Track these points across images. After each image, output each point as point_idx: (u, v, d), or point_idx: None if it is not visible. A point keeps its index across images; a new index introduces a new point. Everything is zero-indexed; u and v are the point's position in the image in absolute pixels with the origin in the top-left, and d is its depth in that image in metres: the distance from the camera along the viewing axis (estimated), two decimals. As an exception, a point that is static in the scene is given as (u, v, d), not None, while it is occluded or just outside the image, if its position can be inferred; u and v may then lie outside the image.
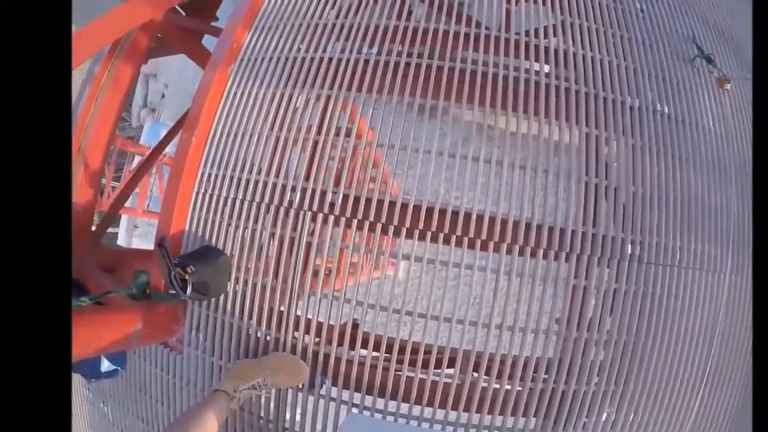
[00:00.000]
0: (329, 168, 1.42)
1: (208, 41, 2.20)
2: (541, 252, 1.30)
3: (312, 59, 1.51)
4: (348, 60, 1.47)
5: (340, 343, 1.40)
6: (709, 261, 1.43)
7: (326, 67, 1.48)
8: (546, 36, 1.52)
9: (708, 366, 1.44)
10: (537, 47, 1.49)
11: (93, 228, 1.90)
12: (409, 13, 1.59)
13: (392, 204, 1.33)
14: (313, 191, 1.37)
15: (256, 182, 1.42)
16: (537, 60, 1.47)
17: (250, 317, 1.41)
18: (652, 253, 1.34)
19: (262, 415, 1.46)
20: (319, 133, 1.43)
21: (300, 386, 1.39)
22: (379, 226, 1.33)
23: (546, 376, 1.33)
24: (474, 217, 1.31)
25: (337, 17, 1.58)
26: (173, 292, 1.31)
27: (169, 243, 1.40)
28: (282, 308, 1.39)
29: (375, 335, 1.41)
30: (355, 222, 1.34)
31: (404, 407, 1.35)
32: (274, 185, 1.40)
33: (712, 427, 1.51)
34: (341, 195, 1.35)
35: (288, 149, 1.44)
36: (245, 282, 1.41)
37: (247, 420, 1.47)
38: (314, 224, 1.36)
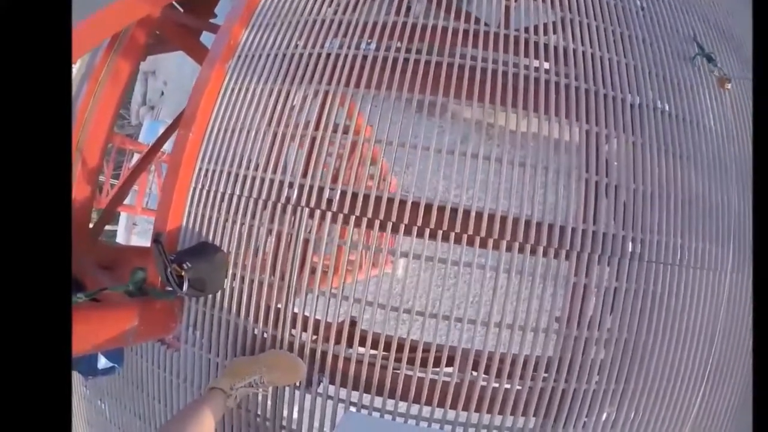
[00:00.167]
0: (327, 164, 1.41)
1: (207, 39, 2.19)
2: (541, 249, 1.29)
3: (310, 55, 1.50)
4: (346, 56, 1.46)
5: (338, 341, 1.39)
6: (710, 259, 1.42)
7: (324, 62, 1.47)
8: (546, 33, 1.51)
9: (709, 364, 1.43)
10: (537, 44, 1.48)
11: (91, 225, 1.89)
12: (408, 9, 1.58)
13: (391, 200, 1.32)
14: (311, 187, 1.36)
15: (254, 178, 1.41)
16: (537, 57, 1.46)
17: (247, 314, 1.40)
18: (652, 251, 1.33)
19: (259, 412, 1.45)
20: (317, 129, 1.42)
21: (297, 384, 1.38)
22: (377, 223, 1.32)
23: (546, 375, 1.32)
24: (473, 214, 1.30)
25: (335, 14, 1.57)
26: (170, 288, 1.31)
27: (165, 239, 1.39)
28: (279, 305, 1.38)
29: (373, 333, 1.40)
30: (353, 218, 1.33)
31: (402, 406, 1.34)
32: (272, 181, 1.39)
33: (713, 425, 1.50)
34: (339, 191, 1.35)
35: (286, 145, 1.43)
36: (242, 279, 1.40)
37: (244, 418, 1.46)
38: (312, 221, 1.35)
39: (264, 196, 1.39)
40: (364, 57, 1.45)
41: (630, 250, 1.33)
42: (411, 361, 1.32)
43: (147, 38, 1.80)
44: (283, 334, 1.37)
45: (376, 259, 3.79)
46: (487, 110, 1.37)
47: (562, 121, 1.38)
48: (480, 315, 1.31)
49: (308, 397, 1.38)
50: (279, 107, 1.46)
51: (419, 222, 1.31)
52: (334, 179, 1.38)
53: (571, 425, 1.33)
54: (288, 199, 1.38)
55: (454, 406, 1.32)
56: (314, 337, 1.39)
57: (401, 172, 1.56)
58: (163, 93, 8.66)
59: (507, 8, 1.58)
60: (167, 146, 2.88)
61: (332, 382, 1.36)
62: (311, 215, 1.35)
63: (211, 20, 2.32)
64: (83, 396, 2.00)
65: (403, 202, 1.32)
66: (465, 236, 1.30)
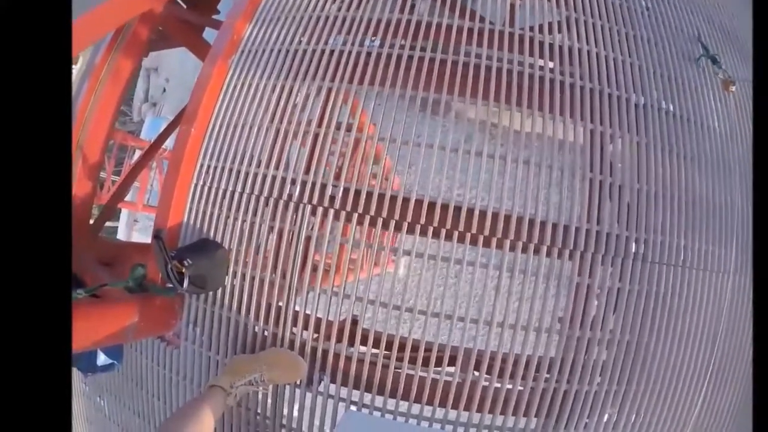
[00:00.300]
0: (330, 162, 1.40)
1: (210, 35, 2.18)
2: (544, 249, 1.28)
3: (313, 51, 1.49)
4: (350, 52, 1.45)
5: (339, 340, 1.39)
6: (713, 261, 1.41)
7: (327, 59, 1.46)
8: (551, 32, 1.50)
9: (711, 365, 1.43)
10: (542, 43, 1.47)
11: (91, 221, 1.88)
12: (412, 6, 1.57)
13: (393, 198, 1.31)
14: (314, 185, 1.35)
15: (256, 174, 1.40)
16: (542, 56, 1.46)
17: (248, 312, 1.39)
18: (656, 252, 1.33)
19: (259, 411, 1.44)
20: (320, 126, 1.41)
21: (298, 382, 1.37)
22: (380, 221, 1.31)
23: (548, 376, 1.31)
24: (476, 213, 1.29)
25: (339, 10, 1.56)
26: (170, 285, 1.30)
27: (166, 235, 1.39)
28: (280, 303, 1.37)
29: (374, 332, 1.39)
30: (355, 216, 1.32)
31: (403, 405, 1.33)
32: (274, 178, 1.39)
33: (714, 426, 1.49)
34: (342, 188, 1.34)
35: (288, 142, 1.42)
36: (243, 276, 1.39)
37: (244, 416, 1.45)
38: (314, 218, 1.35)
39: (266, 193, 1.38)
40: (368, 54, 1.44)
41: (633, 250, 1.32)
42: (412, 361, 1.31)
43: (149, 34, 1.79)
44: (283, 332, 1.36)
45: (378, 257, 3.78)
46: (492, 109, 1.37)
47: (567, 120, 1.38)
48: (482, 315, 1.30)
49: (309, 395, 1.37)
50: (282, 104, 1.45)
51: (422, 220, 1.30)
52: (337, 177, 1.37)
53: (573, 426, 1.32)
54: (290, 196, 1.37)
55: (455, 407, 1.32)
56: (315, 335, 1.39)
57: (404, 170, 1.55)
58: (165, 89, 8.66)
59: (512, 6, 1.58)
60: (169, 143, 2.87)
61: (333, 380, 1.35)
62: (313, 213, 1.34)
63: (214, 16, 2.31)
64: (82, 393, 1.99)
65: (405, 200, 1.31)
66: (468, 235, 1.29)
